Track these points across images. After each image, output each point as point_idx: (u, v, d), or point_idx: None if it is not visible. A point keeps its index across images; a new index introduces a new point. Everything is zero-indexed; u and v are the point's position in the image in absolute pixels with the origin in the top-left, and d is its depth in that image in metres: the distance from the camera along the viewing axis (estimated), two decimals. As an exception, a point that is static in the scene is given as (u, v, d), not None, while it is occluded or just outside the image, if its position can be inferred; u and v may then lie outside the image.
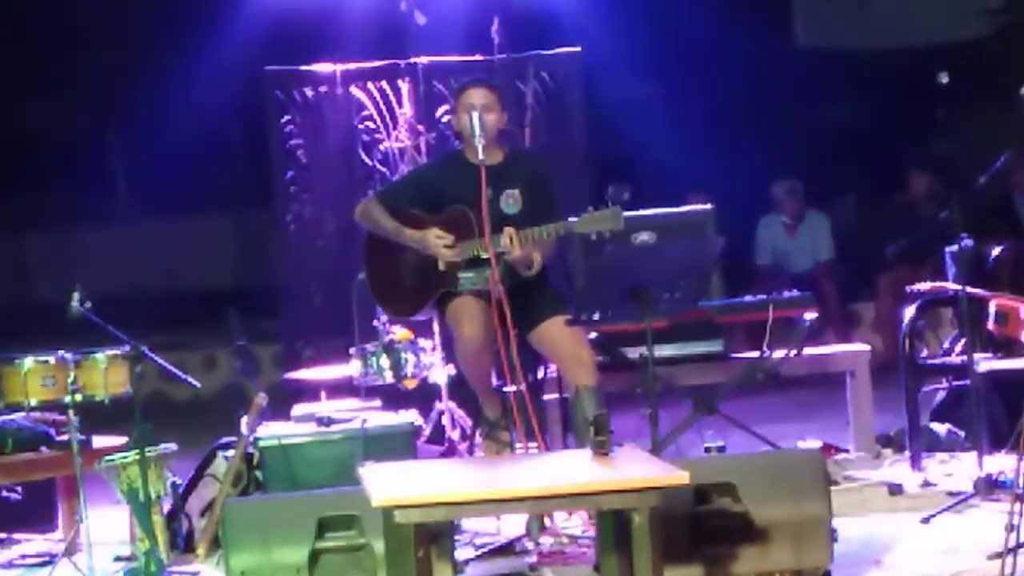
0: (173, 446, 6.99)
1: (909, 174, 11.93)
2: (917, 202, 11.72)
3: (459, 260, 7.07)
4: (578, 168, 9.78)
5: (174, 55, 12.94)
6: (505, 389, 7.13)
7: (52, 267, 15.70)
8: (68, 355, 7.15)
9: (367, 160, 9.72)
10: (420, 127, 9.56)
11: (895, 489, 7.47)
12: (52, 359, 7.18)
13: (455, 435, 8.21)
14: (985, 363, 7.66)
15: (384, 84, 9.70)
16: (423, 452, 7.87)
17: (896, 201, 12.36)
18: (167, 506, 7.04)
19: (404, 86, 9.66)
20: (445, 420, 8.28)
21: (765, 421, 8.74)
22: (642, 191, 11.60)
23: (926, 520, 6.83)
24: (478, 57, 9.65)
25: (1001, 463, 7.32)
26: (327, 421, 7.41)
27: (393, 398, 8.03)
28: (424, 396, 8.36)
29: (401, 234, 7.21)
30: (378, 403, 7.84)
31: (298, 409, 7.72)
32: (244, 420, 7.31)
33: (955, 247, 7.96)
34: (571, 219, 6.92)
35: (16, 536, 7.63)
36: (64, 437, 7.13)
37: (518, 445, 7.06)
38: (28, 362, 7.14)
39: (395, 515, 4.95)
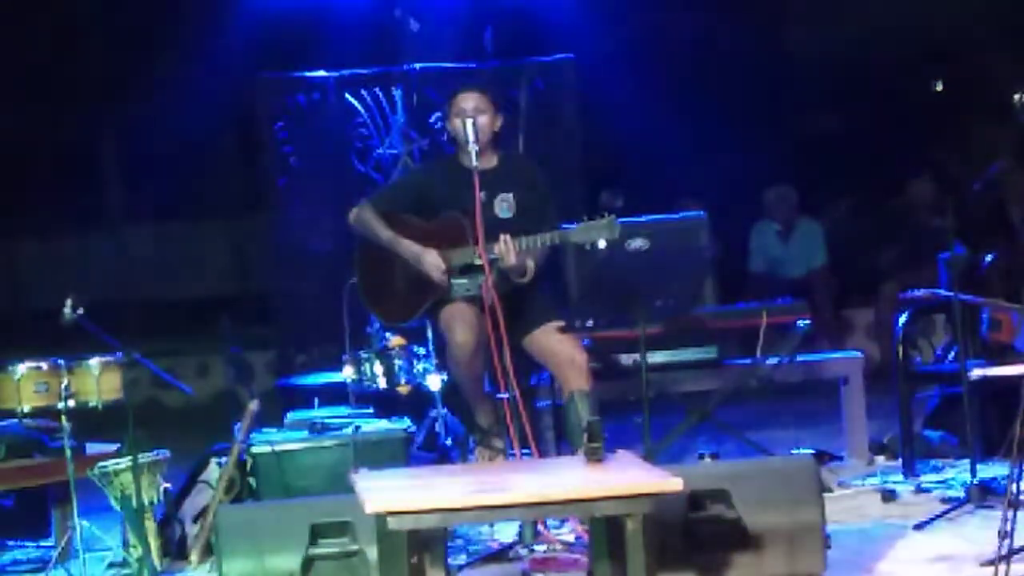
0: (166, 452, 6.99)
1: (909, 182, 11.91)
2: (915, 209, 11.71)
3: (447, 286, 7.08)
4: (571, 175, 9.78)
5: (167, 61, 12.93)
6: (498, 396, 7.12)
7: (45, 273, 15.68)
8: (61, 361, 7.14)
9: (360, 166, 9.71)
10: (413, 133, 9.55)
11: (888, 496, 7.47)
12: (45, 365, 7.15)
13: (448, 442, 8.20)
14: (978, 370, 7.66)
15: (377, 90, 9.70)
16: (416, 459, 7.86)
17: (893, 207, 12.35)
18: (160, 512, 7.03)
19: (397, 93, 9.66)
20: (439, 427, 8.27)
21: (759, 428, 8.75)
22: (635, 197, 11.67)
23: (919, 527, 6.83)
24: (471, 64, 9.65)
25: (994, 470, 7.33)
26: (320, 428, 7.41)
27: (386, 405, 8.02)
28: (417, 403, 8.34)
29: (398, 244, 7.19)
30: (371, 410, 7.83)
31: (291, 416, 7.71)
32: (237, 427, 7.30)
33: (948, 254, 7.96)
34: (565, 228, 6.91)
35: (9, 543, 7.62)
36: (57, 443, 7.12)
37: (511, 452, 7.06)
38: (21, 368, 7.12)
39: (388, 522, 4.95)
